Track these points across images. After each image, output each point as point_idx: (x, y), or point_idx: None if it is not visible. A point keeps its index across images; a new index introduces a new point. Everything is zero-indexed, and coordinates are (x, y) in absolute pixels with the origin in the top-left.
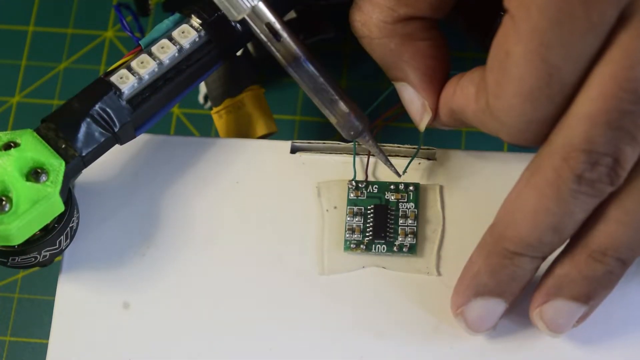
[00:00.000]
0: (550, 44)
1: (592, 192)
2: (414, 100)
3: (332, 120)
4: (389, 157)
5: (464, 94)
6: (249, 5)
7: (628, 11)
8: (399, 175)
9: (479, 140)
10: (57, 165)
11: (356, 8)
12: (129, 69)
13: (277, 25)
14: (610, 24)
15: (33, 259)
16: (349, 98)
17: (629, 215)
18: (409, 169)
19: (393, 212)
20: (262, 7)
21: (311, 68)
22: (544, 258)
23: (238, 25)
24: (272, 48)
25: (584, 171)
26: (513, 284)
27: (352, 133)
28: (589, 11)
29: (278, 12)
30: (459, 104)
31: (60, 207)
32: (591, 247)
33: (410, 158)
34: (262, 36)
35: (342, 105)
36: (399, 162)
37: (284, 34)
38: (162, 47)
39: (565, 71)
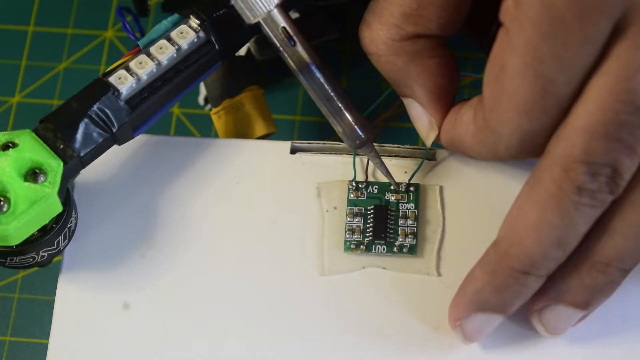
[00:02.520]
0: (544, 57)
1: (594, 203)
2: (422, 117)
3: (338, 129)
4: (389, 157)
5: (463, 121)
6: (265, 9)
7: (622, 22)
8: (398, 189)
9: None
10: (55, 166)
11: (365, 25)
12: (128, 69)
13: (292, 31)
14: (604, 36)
15: (31, 260)
16: (356, 108)
17: (633, 228)
18: (409, 169)
19: (393, 213)
20: (277, 12)
21: (320, 76)
22: (548, 276)
23: (236, 25)
24: (285, 53)
25: (585, 182)
26: (516, 301)
27: (357, 142)
28: (582, 24)
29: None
30: (459, 132)
31: (58, 208)
32: (594, 259)
33: (408, 157)
34: (276, 40)
35: (348, 116)
36: (399, 163)
37: (298, 40)
38: (161, 48)
39: (560, 84)
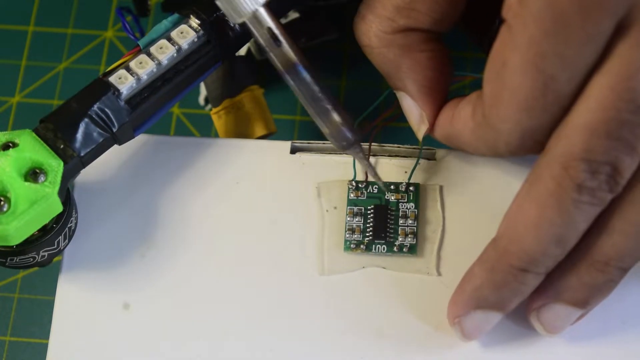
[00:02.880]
0: (546, 54)
1: (593, 201)
2: (413, 110)
3: (325, 130)
4: (389, 157)
5: (461, 117)
6: (250, 9)
7: (625, 21)
8: (387, 192)
9: None
10: (55, 166)
11: (359, 17)
12: (128, 69)
13: (277, 31)
14: (607, 35)
15: (31, 259)
16: (344, 109)
17: (632, 227)
18: (409, 169)
19: (393, 213)
20: (263, 12)
21: (307, 76)
22: (546, 273)
23: (237, 25)
24: (270, 53)
25: (585, 180)
26: (514, 298)
27: (344, 144)
28: (585, 22)
29: (278, 16)
30: (457, 127)
31: (58, 208)
32: (593, 257)
33: (408, 157)
34: (262, 41)
35: (335, 116)
36: (399, 162)
37: (283, 40)
38: (161, 48)
39: (561, 81)
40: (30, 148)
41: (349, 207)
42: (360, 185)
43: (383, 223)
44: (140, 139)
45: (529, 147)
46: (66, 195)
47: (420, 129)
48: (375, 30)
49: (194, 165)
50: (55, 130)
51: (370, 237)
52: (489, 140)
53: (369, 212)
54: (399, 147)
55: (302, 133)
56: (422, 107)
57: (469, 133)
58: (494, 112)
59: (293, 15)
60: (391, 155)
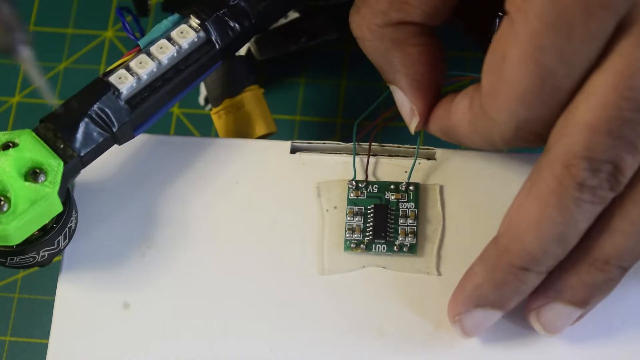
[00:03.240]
0: (546, 48)
1: (594, 199)
2: (404, 104)
3: None
4: (389, 157)
5: (459, 109)
6: None
7: (628, 20)
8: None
9: None
10: (55, 166)
11: (354, 9)
12: (128, 69)
13: None
14: (608, 33)
15: (31, 259)
16: (15, 6)
17: (633, 226)
18: (409, 169)
19: (393, 212)
20: None
21: None
22: (547, 272)
23: (237, 25)
24: None
25: (586, 178)
26: (515, 297)
27: (5, 43)
28: (587, 19)
29: (278, 17)
30: (454, 120)
31: (58, 207)
32: (594, 256)
33: (408, 157)
34: None
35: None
36: (399, 162)
37: None
38: (161, 48)
39: (560, 76)
40: (30, 148)
41: (349, 207)
42: (360, 185)
43: (383, 223)
44: (140, 139)
45: (525, 138)
46: (66, 195)
47: (411, 123)
48: (368, 23)
49: (194, 165)
50: (55, 130)
51: (370, 237)
52: (485, 131)
53: (369, 211)
54: (398, 147)
55: (302, 133)
56: (412, 100)
57: (466, 125)
58: (491, 103)
59: (293, 15)
60: (391, 155)
